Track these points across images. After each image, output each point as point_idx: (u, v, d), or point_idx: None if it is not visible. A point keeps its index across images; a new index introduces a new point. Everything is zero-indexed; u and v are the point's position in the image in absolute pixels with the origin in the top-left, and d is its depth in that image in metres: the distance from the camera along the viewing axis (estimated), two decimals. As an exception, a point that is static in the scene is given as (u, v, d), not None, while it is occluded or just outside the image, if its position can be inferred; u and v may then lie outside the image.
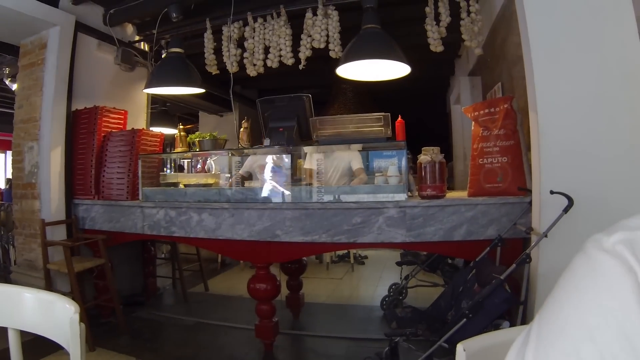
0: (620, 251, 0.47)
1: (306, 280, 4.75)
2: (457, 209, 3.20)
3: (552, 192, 2.54)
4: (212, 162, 4.39)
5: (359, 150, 4.10)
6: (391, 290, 4.51)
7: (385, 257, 7.11)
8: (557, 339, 0.47)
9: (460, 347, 1.18)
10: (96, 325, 4.23)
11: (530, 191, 2.98)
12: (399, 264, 4.65)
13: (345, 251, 7.15)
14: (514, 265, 2.51)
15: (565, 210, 2.48)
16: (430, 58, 4.70)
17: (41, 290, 1.78)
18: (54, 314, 1.58)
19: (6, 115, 10.07)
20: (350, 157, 4.15)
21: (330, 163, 4.16)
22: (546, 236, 2.54)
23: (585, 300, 0.47)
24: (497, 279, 2.50)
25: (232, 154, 4.15)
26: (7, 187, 7.08)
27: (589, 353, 0.44)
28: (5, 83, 6.87)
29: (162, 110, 7.18)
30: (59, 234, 4.42)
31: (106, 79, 5.06)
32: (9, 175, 6.19)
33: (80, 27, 4.62)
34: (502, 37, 4.10)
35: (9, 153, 14.25)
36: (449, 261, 4.35)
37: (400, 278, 4.54)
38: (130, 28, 5.35)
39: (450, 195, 3.59)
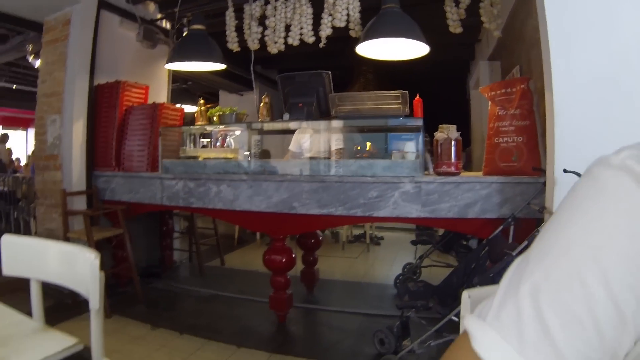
0: (630, 165, 0.46)
1: (322, 259, 4.82)
2: (472, 187, 3.22)
3: (565, 171, 2.53)
4: (231, 140, 4.44)
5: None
6: (405, 269, 4.55)
7: (401, 238, 7.15)
8: (559, 259, 0.46)
9: (465, 294, 1.21)
10: (113, 294, 4.31)
11: (544, 171, 2.98)
12: (413, 242, 4.69)
13: (362, 231, 7.24)
14: (526, 241, 2.54)
15: (579, 190, 2.48)
16: (450, 42, 4.71)
17: (63, 242, 1.85)
18: (75, 265, 1.66)
19: (27, 93, 10.25)
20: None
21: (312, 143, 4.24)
22: (559, 215, 2.54)
23: (590, 220, 0.47)
24: (509, 255, 2.52)
25: (252, 131, 4.20)
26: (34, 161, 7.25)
27: (592, 274, 0.44)
28: (27, 61, 6.99)
29: (183, 88, 7.24)
30: (79, 204, 4.52)
31: (128, 55, 5.13)
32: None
33: (103, 5, 4.68)
34: (521, 20, 4.10)
35: (30, 130, 14.54)
36: (464, 242, 4.37)
37: (415, 258, 4.57)
38: (152, 6, 5.40)
39: (465, 173, 3.61)
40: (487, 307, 0.50)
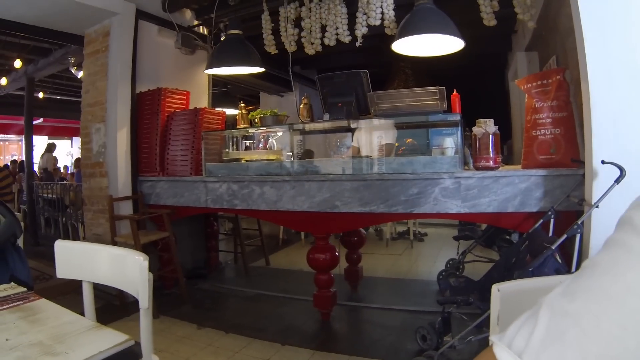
0: None
1: (366, 256, 4.85)
2: (511, 181, 3.18)
3: (603, 162, 2.48)
4: (273, 141, 4.50)
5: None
6: (448, 265, 4.55)
7: (444, 234, 7.09)
8: (612, 307, 0.46)
9: (495, 287, 1.23)
10: (160, 295, 4.45)
11: (583, 163, 2.92)
12: (456, 238, 4.67)
13: (405, 228, 7.25)
14: (565, 235, 2.50)
15: (617, 180, 2.41)
16: (486, 35, 4.65)
17: (113, 246, 1.93)
18: (125, 267, 1.75)
19: (71, 103, 10.55)
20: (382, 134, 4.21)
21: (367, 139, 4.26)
22: (597, 207, 2.49)
23: None
24: (548, 249, 2.50)
25: (293, 132, 4.26)
26: (79, 169, 7.51)
27: None
28: (70, 73, 7.23)
29: (223, 91, 7.34)
30: (125, 209, 4.65)
31: (168, 63, 5.26)
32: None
33: (141, 15, 4.81)
34: (555, 9, 4.02)
35: (74, 140, 14.96)
36: (506, 237, 4.33)
37: (457, 253, 4.55)
38: (188, 13, 5.51)
39: (505, 167, 3.58)
40: (522, 339, 0.49)
